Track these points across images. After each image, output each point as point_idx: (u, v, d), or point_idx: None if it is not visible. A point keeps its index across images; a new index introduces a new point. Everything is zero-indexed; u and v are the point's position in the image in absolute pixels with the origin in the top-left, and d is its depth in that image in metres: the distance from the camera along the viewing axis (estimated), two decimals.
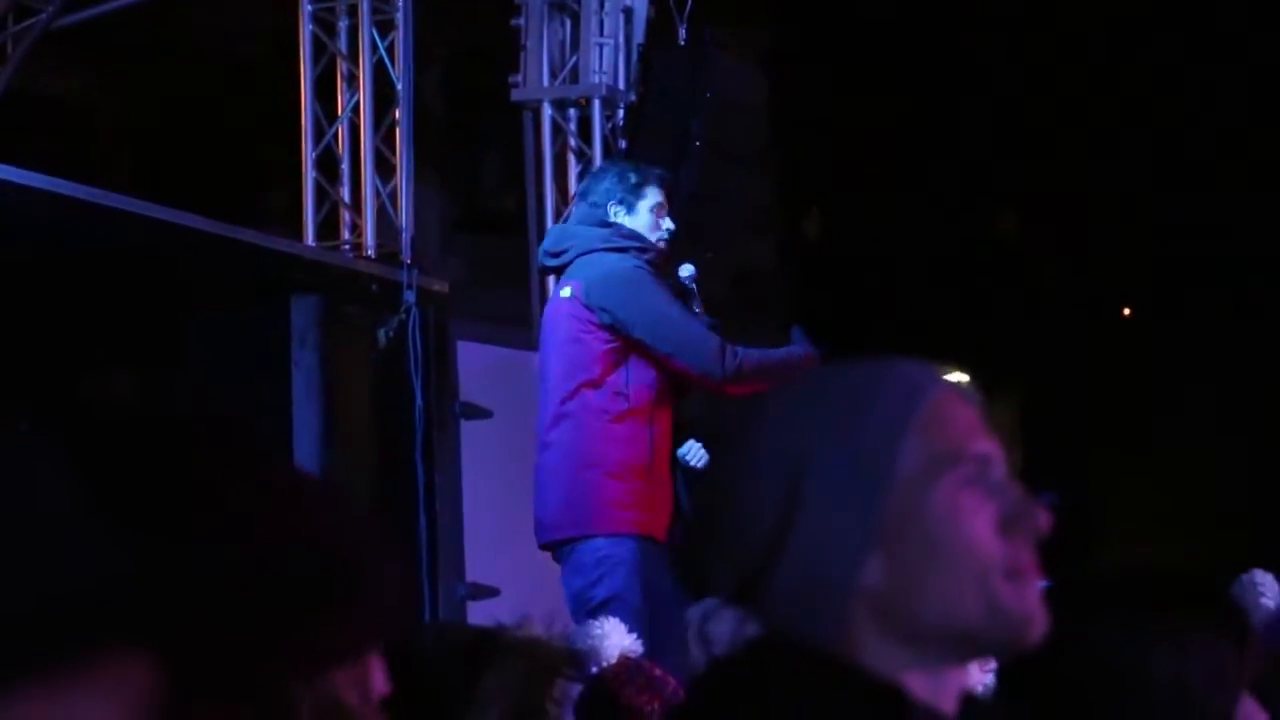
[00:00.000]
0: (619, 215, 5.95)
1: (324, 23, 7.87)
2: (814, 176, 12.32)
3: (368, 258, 7.66)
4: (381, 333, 7.42)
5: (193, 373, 7.57)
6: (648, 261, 5.89)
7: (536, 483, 5.96)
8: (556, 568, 6.03)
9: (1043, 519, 1.68)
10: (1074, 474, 11.18)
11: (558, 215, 8.00)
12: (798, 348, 5.95)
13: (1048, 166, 12.29)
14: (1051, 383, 12.53)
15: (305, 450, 7.29)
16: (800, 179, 12.06)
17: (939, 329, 12.83)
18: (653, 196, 5.99)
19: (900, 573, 1.66)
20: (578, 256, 5.93)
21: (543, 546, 5.94)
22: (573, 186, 7.98)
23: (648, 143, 8.25)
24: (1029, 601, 1.67)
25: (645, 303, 5.79)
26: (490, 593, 7.71)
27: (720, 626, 1.80)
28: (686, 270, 6.10)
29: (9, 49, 8.19)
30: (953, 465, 1.68)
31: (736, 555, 1.73)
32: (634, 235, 5.92)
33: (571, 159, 8.37)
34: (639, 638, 4.91)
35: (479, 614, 7.63)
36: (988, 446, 1.71)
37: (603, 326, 5.82)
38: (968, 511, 1.67)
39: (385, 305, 7.47)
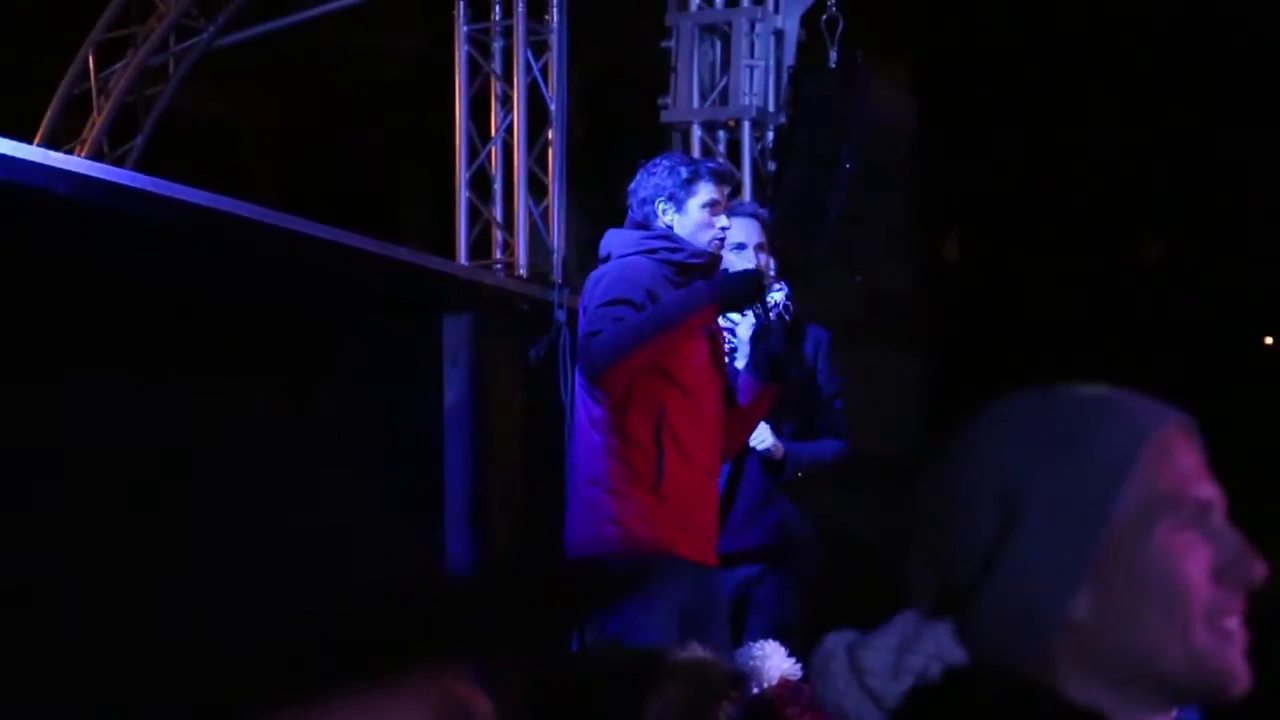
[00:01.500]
0: (668, 214, 5.49)
1: (479, 44, 7.95)
2: (954, 200, 12.28)
3: (519, 277, 7.72)
4: (532, 351, 7.47)
5: (347, 388, 7.66)
6: (679, 263, 5.45)
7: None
8: None
9: (1258, 570, 1.66)
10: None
11: None
12: (676, 303, 5.34)
13: (1191, 193, 12.18)
14: (1194, 412, 12.38)
15: (456, 467, 7.34)
16: (941, 203, 12.01)
17: (1076, 356, 12.74)
18: (706, 193, 5.51)
19: (1109, 609, 1.65)
20: (611, 262, 5.54)
21: None
22: None
23: (796, 165, 8.25)
24: (1231, 656, 1.65)
25: (598, 297, 5.36)
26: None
27: (878, 657, 1.78)
28: (779, 293, 5.78)
29: (171, 68, 8.34)
30: (1174, 507, 1.67)
31: (943, 569, 1.72)
32: (667, 236, 5.47)
33: None
34: None
35: None
36: (1209, 491, 1.69)
37: None
38: (1184, 554, 1.65)
39: (536, 324, 7.52)
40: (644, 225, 5.50)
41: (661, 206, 5.48)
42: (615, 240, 5.55)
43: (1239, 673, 1.65)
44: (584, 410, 5.45)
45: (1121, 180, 12.13)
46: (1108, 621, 1.65)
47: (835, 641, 1.81)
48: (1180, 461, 1.69)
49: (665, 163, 5.62)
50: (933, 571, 1.73)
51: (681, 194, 5.47)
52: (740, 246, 5.99)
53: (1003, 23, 11.44)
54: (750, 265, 5.99)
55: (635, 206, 5.55)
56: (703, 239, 5.50)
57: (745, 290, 5.36)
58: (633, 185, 5.60)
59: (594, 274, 5.47)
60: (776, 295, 5.95)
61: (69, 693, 0.92)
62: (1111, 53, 11.61)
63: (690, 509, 5.42)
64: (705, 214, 5.50)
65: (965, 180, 12.02)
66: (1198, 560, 1.65)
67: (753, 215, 6.23)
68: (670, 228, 5.49)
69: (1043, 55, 11.59)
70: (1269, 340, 13.29)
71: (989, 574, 1.68)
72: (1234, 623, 1.65)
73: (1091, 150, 11.99)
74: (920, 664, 1.75)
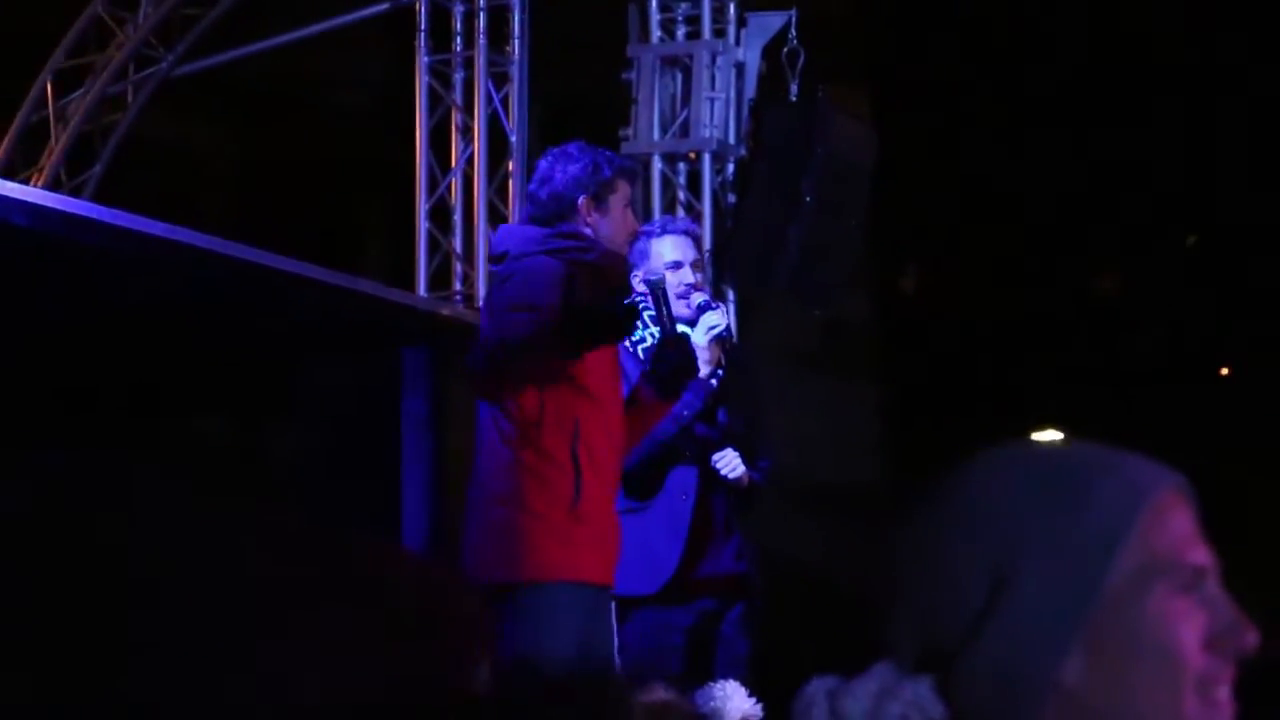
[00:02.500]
0: (589, 209, 5.22)
1: (440, 75, 7.94)
2: (913, 230, 12.31)
3: (478, 308, 7.69)
4: None
5: (302, 419, 7.63)
6: (589, 264, 5.16)
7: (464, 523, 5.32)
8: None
9: (1251, 639, 1.65)
10: None
11: None
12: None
13: (1146, 226, 12.24)
14: (1146, 445, 12.42)
15: (413, 499, 7.32)
16: (899, 232, 12.05)
17: (1033, 386, 12.78)
18: (624, 192, 5.30)
19: (1100, 674, 1.64)
20: (514, 261, 5.19)
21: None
22: None
23: (757, 198, 8.25)
24: None
25: (503, 299, 5.06)
26: None
27: (857, 704, 1.77)
28: (654, 274, 5.53)
29: (129, 96, 8.32)
30: (1169, 572, 1.66)
31: (929, 627, 1.70)
32: (576, 235, 5.18)
33: (680, 212, 8.39)
34: None
35: None
36: (1204, 557, 1.68)
37: None
38: (1178, 621, 1.64)
39: None
40: (549, 220, 5.23)
41: (584, 203, 5.22)
42: (514, 237, 5.26)
43: None
44: (491, 423, 5.15)
45: (1080, 211, 12.18)
46: (1098, 686, 1.63)
47: (817, 687, 1.78)
48: (1176, 525, 1.68)
49: (585, 158, 5.29)
50: (917, 629, 1.71)
51: (605, 192, 5.25)
52: (677, 265, 5.94)
53: (963, 55, 11.49)
54: (689, 282, 5.92)
55: (546, 197, 5.24)
56: (620, 240, 5.29)
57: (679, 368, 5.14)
58: (543, 171, 5.30)
59: (499, 272, 5.17)
60: (716, 317, 5.90)
61: None
62: (1074, 85, 11.67)
63: (602, 529, 5.18)
64: (625, 214, 5.30)
65: (924, 210, 12.05)
66: (1191, 627, 1.64)
67: (686, 232, 6.17)
68: (590, 227, 5.24)
69: (1004, 87, 11.64)
70: (1225, 370, 13.35)
71: (978, 635, 1.66)
72: (1225, 692, 1.64)
73: (1049, 181, 12.03)
74: (898, 712, 1.73)
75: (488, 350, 5.00)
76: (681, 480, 5.96)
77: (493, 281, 5.19)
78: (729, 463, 5.96)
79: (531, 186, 5.35)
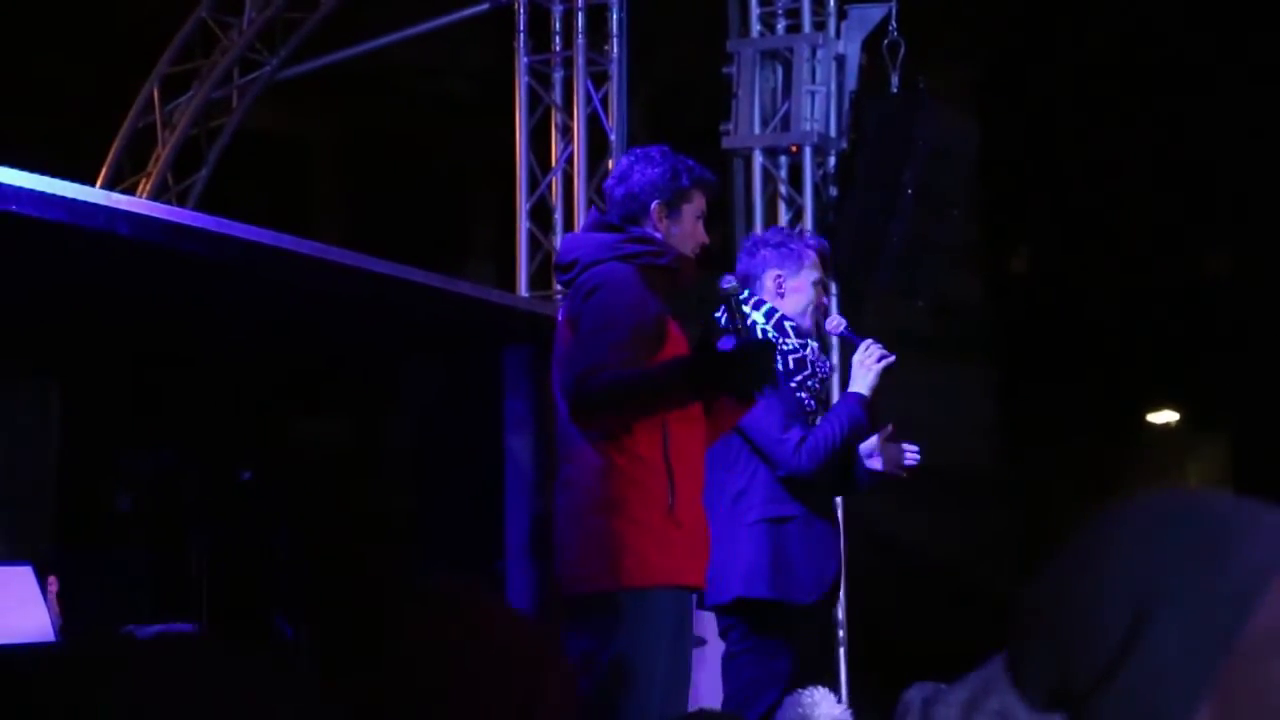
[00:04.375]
0: (661, 215, 5.13)
1: (539, 75, 7.97)
2: (1022, 214, 12.24)
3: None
4: None
5: (408, 419, 7.70)
6: (663, 267, 5.08)
7: (554, 530, 5.16)
8: None
9: None
10: None
11: None
12: (677, 366, 4.90)
13: (1260, 207, 12.10)
14: (1263, 423, 12.32)
15: (517, 496, 7.37)
16: (1008, 217, 11.98)
17: (1143, 368, 12.67)
18: (699, 204, 5.19)
19: None
20: (585, 270, 5.07)
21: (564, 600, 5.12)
22: None
23: (859, 191, 8.24)
24: None
25: (591, 318, 4.93)
26: (697, 642, 7.73)
27: (946, 713, 1.78)
28: (729, 281, 5.26)
29: (234, 100, 8.42)
30: None
31: (1063, 667, 1.71)
32: (647, 239, 5.10)
33: (782, 206, 8.40)
34: (649, 698, 4.76)
35: None
36: None
37: None
38: None
39: None
40: (618, 226, 5.15)
41: (656, 208, 5.15)
42: (584, 245, 5.15)
43: None
44: (581, 431, 5.04)
45: (1190, 193, 12.06)
46: None
47: (914, 695, 1.80)
48: None
49: (665, 164, 5.21)
50: (1050, 667, 1.72)
51: (679, 200, 5.16)
52: (820, 282, 5.96)
53: (1063, 42, 11.40)
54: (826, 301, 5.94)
55: (620, 196, 5.17)
56: (685, 247, 5.17)
57: (757, 371, 4.93)
58: (622, 169, 5.25)
59: (580, 281, 5.04)
60: (882, 349, 5.90)
61: None
62: (1179, 68, 11.55)
63: (695, 531, 5.12)
64: (698, 226, 5.21)
65: (1032, 194, 11.97)
66: None
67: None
68: (659, 232, 5.15)
69: (1110, 67, 11.54)
70: None
71: (1112, 679, 1.67)
72: None
73: (1159, 163, 11.92)
74: None
75: (598, 390, 4.88)
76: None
77: (573, 290, 5.05)
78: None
79: (608, 182, 5.33)
